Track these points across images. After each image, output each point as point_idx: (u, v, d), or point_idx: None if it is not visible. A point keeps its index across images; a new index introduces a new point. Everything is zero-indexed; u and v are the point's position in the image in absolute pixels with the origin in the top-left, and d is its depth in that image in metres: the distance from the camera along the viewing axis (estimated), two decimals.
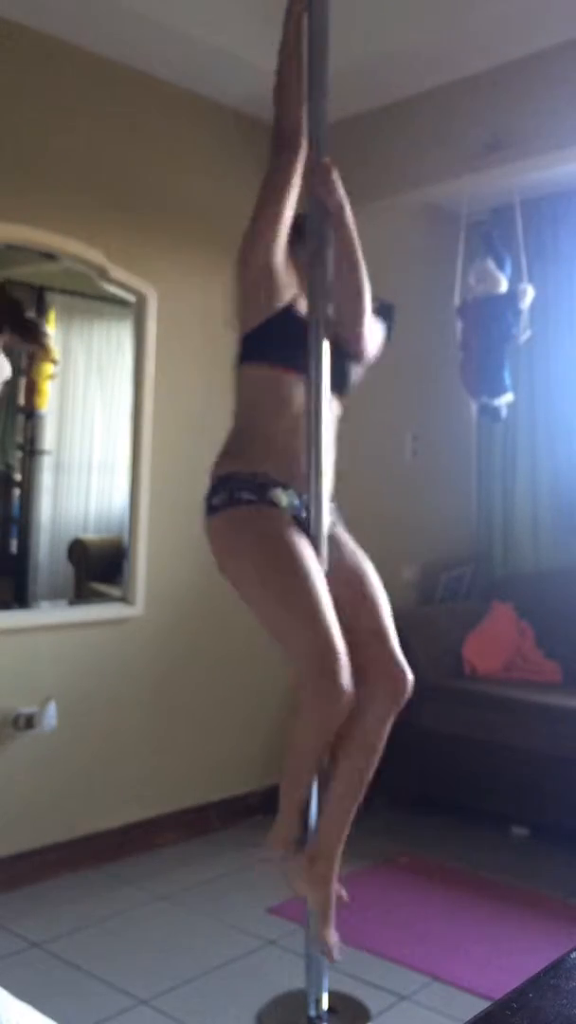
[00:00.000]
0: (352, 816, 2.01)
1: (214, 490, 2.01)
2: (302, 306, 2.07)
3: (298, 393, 2.02)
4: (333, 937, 2.00)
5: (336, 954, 2.00)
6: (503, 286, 3.73)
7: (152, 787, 3.26)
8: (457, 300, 3.86)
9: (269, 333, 2.03)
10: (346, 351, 2.11)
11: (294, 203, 2.04)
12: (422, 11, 2.85)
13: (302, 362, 2.02)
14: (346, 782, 2.01)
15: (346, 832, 2.00)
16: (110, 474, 3.30)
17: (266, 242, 2.01)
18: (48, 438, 3.20)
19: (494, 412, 3.76)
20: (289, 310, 2.05)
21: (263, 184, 2.04)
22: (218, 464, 2.05)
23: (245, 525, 1.96)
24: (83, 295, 3.22)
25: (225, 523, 1.98)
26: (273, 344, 2.04)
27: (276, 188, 2.02)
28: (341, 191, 2.04)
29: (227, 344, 3.50)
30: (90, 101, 3.11)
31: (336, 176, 2.04)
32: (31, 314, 2.98)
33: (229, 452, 2.06)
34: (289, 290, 2.06)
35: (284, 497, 1.98)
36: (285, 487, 1.99)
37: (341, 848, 2.01)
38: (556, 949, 1.00)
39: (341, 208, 2.05)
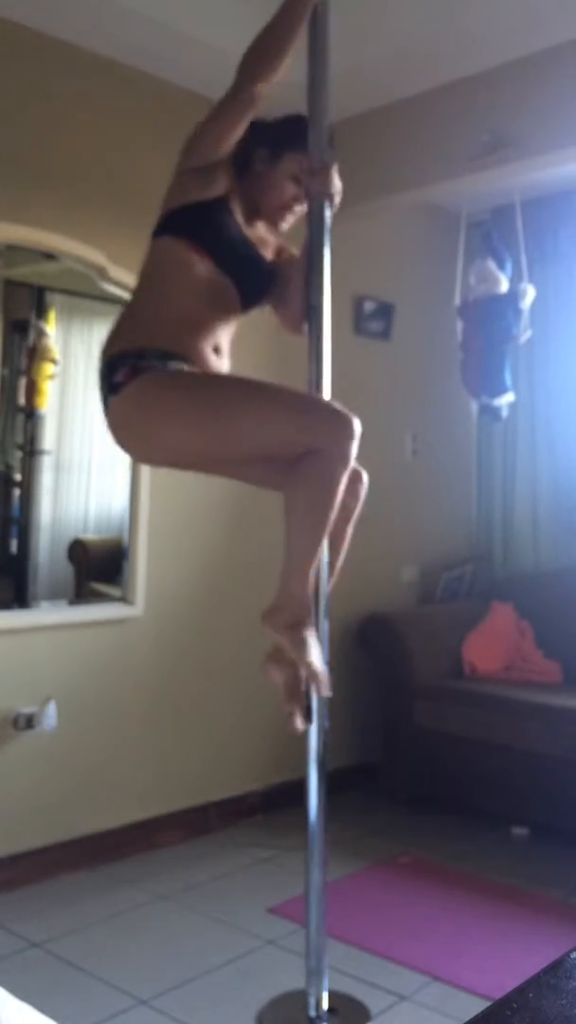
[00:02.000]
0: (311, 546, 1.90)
1: (111, 369, 1.87)
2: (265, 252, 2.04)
3: (210, 280, 1.92)
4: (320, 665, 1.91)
5: (326, 686, 1.91)
6: (503, 286, 3.73)
7: (152, 787, 3.26)
8: (457, 300, 3.87)
9: (198, 216, 1.93)
10: (269, 273, 2.04)
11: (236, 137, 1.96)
12: (422, 11, 2.85)
13: (223, 256, 1.93)
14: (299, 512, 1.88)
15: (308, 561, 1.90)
16: (110, 474, 3.30)
17: (221, 148, 1.93)
18: (48, 438, 3.20)
19: (494, 412, 3.77)
20: (225, 202, 1.95)
21: (231, 98, 1.91)
22: (110, 344, 1.91)
23: (161, 380, 1.85)
24: (83, 295, 3.22)
25: (137, 390, 1.83)
26: (196, 224, 1.93)
27: (242, 109, 1.90)
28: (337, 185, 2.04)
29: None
30: (90, 101, 3.11)
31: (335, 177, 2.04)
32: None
33: (120, 332, 1.93)
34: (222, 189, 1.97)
35: (186, 368, 1.90)
36: (185, 360, 1.89)
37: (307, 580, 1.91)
38: (556, 949, 1.01)
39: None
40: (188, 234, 1.92)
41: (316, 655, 1.90)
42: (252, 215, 2.04)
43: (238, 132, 1.93)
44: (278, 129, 2.07)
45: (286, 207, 2.06)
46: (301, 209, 2.07)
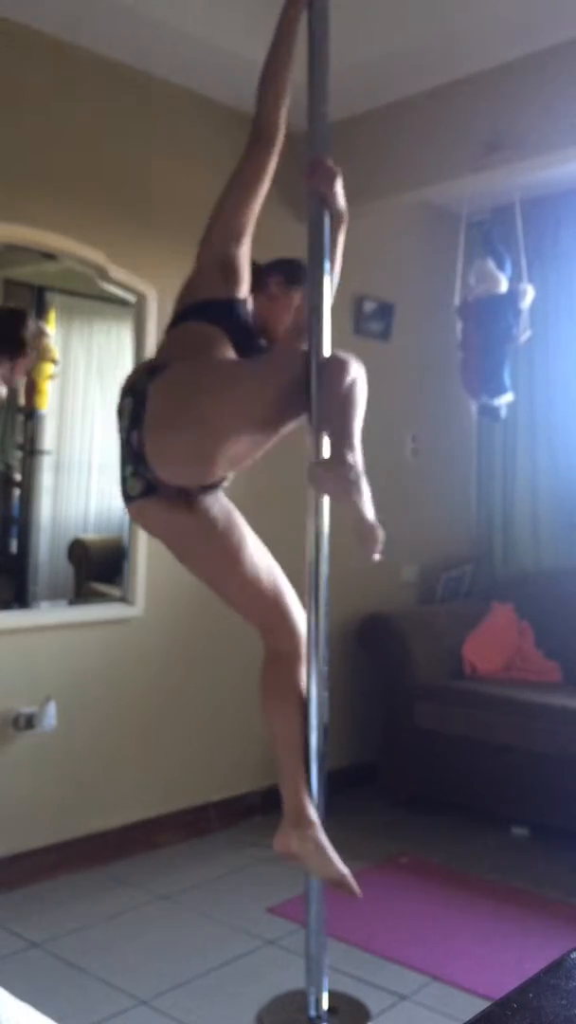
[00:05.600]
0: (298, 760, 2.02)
1: None
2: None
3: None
4: (343, 869, 1.97)
5: (355, 885, 1.96)
6: (503, 286, 3.73)
7: (152, 787, 3.26)
8: (457, 300, 3.87)
9: (218, 312, 2.04)
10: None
11: (261, 199, 2.05)
12: (422, 11, 2.85)
13: (246, 346, 2.04)
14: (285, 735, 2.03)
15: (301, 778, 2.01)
16: (110, 474, 3.29)
17: (228, 228, 2.04)
18: (48, 438, 3.20)
19: (494, 412, 3.76)
20: (242, 304, 2.07)
21: (233, 174, 2.05)
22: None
23: None
24: (83, 295, 3.22)
25: None
26: (222, 315, 2.05)
27: (244, 181, 2.03)
28: (342, 199, 2.08)
29: None
30: (90, 100, 3.11)
31: (340, 182, 2.06)
32: (28, 325, 2.91)
33: None
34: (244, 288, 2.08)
35: None
36: None
37: (304, 794, 2.00)
38: (556, 949, 1.00)
39: (341, 216, 2.10)
40: (215, 321, 2.03)
41: (338, 858, 1.95)
42: (259, 327, 2.12)
43: (257, 193, 2.03)
44: (292, 265, 2.18)
45: (286, 336, 2.15)
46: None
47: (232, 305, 2.04)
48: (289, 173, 3.63)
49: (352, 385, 1.91)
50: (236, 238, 2.04)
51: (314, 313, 2.05)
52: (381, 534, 1.84)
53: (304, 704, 2.03)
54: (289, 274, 2.17)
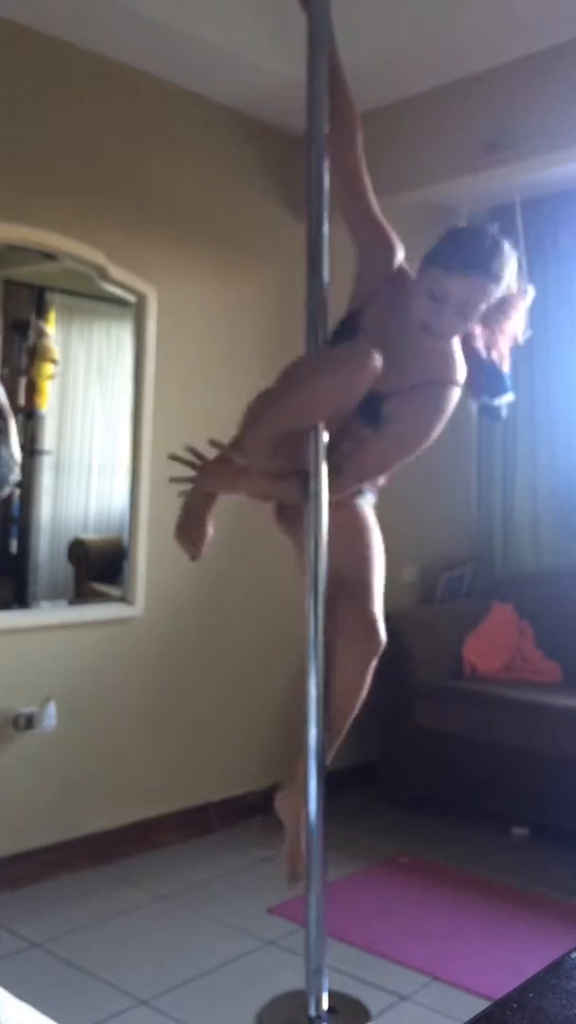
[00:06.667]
0: None
1: None
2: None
3: None
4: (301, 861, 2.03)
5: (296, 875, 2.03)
6: None
7: (152, 787, 3.26)
8: None
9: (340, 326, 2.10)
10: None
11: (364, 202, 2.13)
12: (422, 11, 2.85)
13: None
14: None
15: None
16: (110, 474, 3.30)
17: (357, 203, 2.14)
18: (48, 438, 3.20)
19: (494, 412, 3.75)
20: (358, 311, 2.08)
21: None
22: None
23: None
24: (83, 295, 3.22)
25: None
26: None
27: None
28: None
29: (227, 344, 3.51)
30: (90, 101, 3.11)
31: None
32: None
33: None
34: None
35: None
36: None
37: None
38: (556, 949, 1.01)
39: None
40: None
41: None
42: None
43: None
44: (439, 243, 1.93)
45: (422, 325, 1.91)
46: (436, 337, 1.97)
47: (348, 316, 2.07)
48: (289, 173, 3.64)
49: (304, 378, 1.87)
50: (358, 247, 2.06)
51: (313, 312, 2.05)
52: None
53: (337, 688, 2.07)
54: (430, 253, 1.93)
